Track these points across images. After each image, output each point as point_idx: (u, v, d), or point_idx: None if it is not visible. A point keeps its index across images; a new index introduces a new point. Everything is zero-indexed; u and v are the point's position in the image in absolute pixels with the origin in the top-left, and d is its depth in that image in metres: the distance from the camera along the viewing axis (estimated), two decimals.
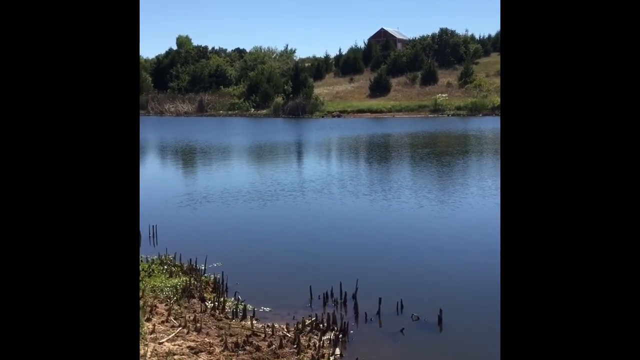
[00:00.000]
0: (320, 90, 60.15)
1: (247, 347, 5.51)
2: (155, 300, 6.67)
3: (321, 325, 6.24)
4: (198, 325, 5.95)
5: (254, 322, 6.31)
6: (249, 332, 5.90)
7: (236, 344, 5.52)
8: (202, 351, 5.32)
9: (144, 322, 5.72)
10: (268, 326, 6.07)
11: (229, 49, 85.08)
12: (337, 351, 5.68)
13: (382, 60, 66.08)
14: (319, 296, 7.14)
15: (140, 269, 7.45)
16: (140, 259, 8.00)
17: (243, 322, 6.33)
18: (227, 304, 6.90)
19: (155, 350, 5.15)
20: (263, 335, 5.84)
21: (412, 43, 71.73)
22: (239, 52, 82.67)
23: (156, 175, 19.11)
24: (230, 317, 6.52)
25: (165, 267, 8.09)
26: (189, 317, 6.23)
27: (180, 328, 5.85)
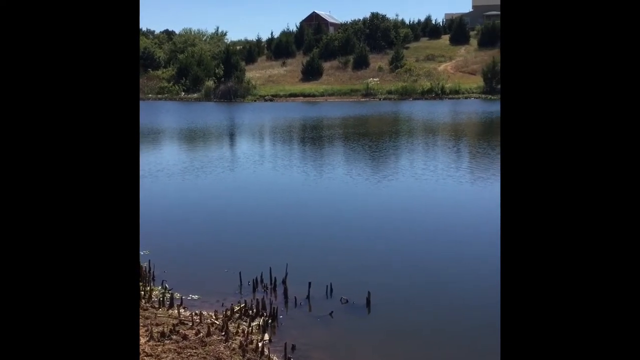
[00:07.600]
0: (253, 74, 59.34)
1: (174, 336, 5.40)
2: None
3: (250, 312, 6.20)
4: None
5: (182, 310, 6.19)
6: (175, 321, 5.78)
7: (162, 334, 5.40)
8: None
9: None
10: (196, 314, 5.98)
11: (157, 31, 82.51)
12: (266, 336, 5.66)
13: (314, 44, 65.87)
14: (249, 282, 7.09)
15: None
16: None
17: (170, 311, 6.20)
18: (154, 293, 6.73)
19: None
20: (190, 324, 5.74)
21: (343, 27, 71.90)
22: (168, 33, 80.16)
23: None
24: (156, 306, 6.36)
25: None
26: None
27: None
